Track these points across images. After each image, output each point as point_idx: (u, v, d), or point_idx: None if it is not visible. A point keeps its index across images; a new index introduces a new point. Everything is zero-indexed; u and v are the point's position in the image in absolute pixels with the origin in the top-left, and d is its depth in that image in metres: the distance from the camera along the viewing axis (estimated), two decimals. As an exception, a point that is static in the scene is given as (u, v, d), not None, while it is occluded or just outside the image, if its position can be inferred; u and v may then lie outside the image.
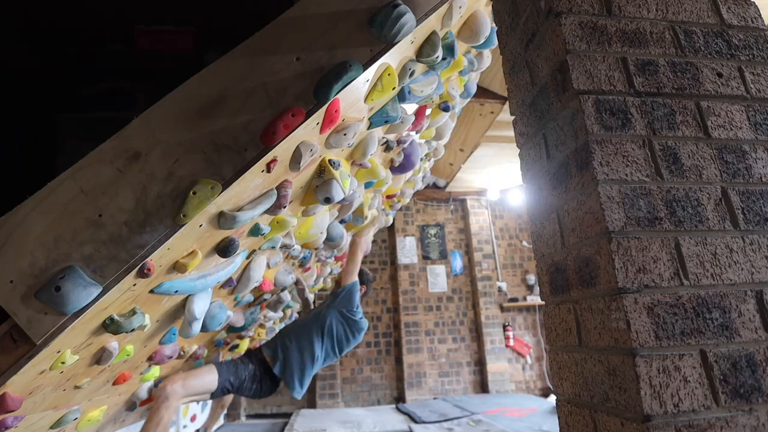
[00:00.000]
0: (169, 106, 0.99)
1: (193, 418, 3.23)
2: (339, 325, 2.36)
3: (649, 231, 0.66)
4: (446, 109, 1.93)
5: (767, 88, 0.78)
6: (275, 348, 2.29)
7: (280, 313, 2.70)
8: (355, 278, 2.46)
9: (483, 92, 3.16)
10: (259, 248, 1.53)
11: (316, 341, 2.30)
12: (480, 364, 4.89)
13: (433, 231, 5.33)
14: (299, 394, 2.25)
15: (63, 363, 1.00)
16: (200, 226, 1.04)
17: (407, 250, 5.14)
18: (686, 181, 0.70)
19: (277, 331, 2.75)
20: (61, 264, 0.88)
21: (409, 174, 2.38)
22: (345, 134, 1.27)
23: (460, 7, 1.30)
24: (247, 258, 1.53)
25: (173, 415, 1.87)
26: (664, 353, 0.60)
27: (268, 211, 1.21)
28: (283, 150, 1.06)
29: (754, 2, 0.85)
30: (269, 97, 1.02)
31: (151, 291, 1.11)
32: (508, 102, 1.00)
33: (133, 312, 1.09)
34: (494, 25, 1.50)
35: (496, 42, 1.62)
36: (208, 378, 2.05)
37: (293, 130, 1.02)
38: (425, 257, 5.22)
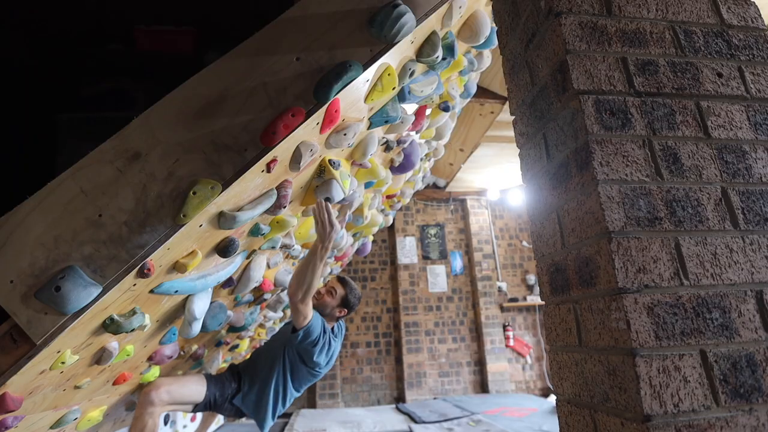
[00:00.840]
0: (169, 106, 0.99)
1: (192, 419, 3.23)
2: (299, 365, 2.02)
3: (649, 231, 0.66)
4: (446, 109, 1.93)
5: (767, 88, 0.78)
6: (245, 376, 2.08)
7: (280, 313, 2.70)
8: (308, 314, 1.80)
9: (483, 92, 3.16)
10: (259, 248, 1.53)
11: (276, 379, 2.02)
12: (480, 364, 4.89)
13: (433, 231, 5.33)
14: (265, 429, 2.05)
15: (63, 363, 1.00)
16: (200, 226, 1.04)
17: (407, 250, 5.14)
18: (686, 181, 0.70)
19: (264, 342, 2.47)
20: (61, 264, 0.88)
21: (409, 174, 2.38)
22: (345, 134, 1.27)
23: (460, 7, 1.30)
24: (247, 258, 1.53)
25: (157, 421, 1.74)
26: (664, 353, 0.60)
27: (268, 211, 1.21)
28: (283, 150, 1.06)
29: (754, 2, 0.85)
30: (269, 97, 1.02)
31: (151, 291, 1.11)
32: (508, 102, 1.00)
33: (133, 312, 1.09)
34: (494, 25, 1.50)
35: (496, 42, 1.62)
36: (196, 388, 1.92)
37: (293, 130, 1.02)
38: (425, 257, 5.22)
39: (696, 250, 0.66)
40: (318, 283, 1.72)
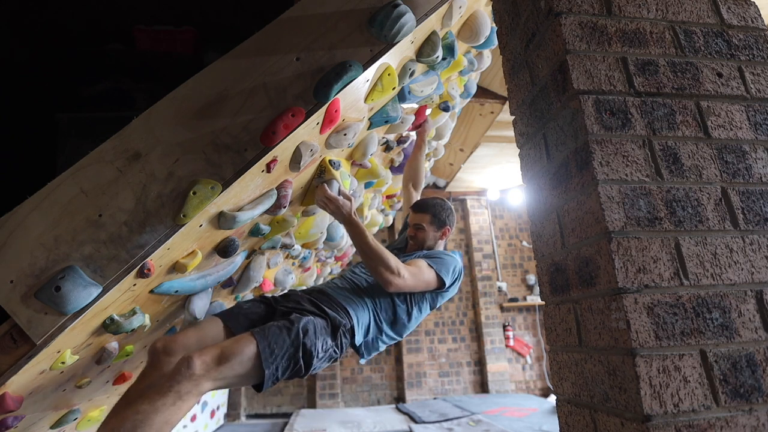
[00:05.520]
0: (169, 106, 0.99)
1: (193, 418, 3.23)
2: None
3: (649, 231, 0.66)
4: (446, 109, 1.93)
5: (767, 88, 0.78)
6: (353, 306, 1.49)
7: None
8: (421, 274, 1.47)
9: (483, 92, 3.16)
10: (259, 248, 1.53)
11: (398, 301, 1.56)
12: (480, 364, 4.89)
13: (433, 231, 5.32)
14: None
15: (63, 363, 1.00)
16: (200, 226, 1.04)
17: (407, 250, 5.13)
18: (686, 181, 0.70)
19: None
20: (61, 264, 0.88)
21: (409, 174, 2.38)
22: (345, 134, 1.27)
23: (460, 7, 1.30)
24: (247, 258, 1.53)
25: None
26: (664, 353, 0.60)
27: (268, 211, 1.21)
28: (283, 150, 1.06)
29: (754, 2, 0.85)
30: (269, 97, 1.02)
31: (151, 291, 1.11)
32: (508, 102, 1.00)
33: (133, 312, 1.09)
34: (494, 25, 1.51)
35: (496, 42, 1.62)
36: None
37: (293, 130, 1.02)
38: (425, 257, 5.21)
39: (696, 250, 0.66)
40: (383, 249, 1.42)
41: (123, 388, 1.63)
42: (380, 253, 1.39)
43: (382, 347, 1.61)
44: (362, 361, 1.61)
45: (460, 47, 1.58)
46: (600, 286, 0.66)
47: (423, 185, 2.15)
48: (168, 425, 1.03)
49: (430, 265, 1.51)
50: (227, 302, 1.66)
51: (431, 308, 1.64)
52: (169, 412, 1.03)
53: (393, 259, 1.40)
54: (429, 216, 1.74)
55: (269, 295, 1.59)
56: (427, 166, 2.66)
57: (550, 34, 0.80)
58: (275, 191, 1.20)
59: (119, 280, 0.91)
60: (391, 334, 1.58)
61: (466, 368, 4.87)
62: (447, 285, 1.53)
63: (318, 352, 1.30)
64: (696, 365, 0.60)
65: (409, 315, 1.57)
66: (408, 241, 1.81)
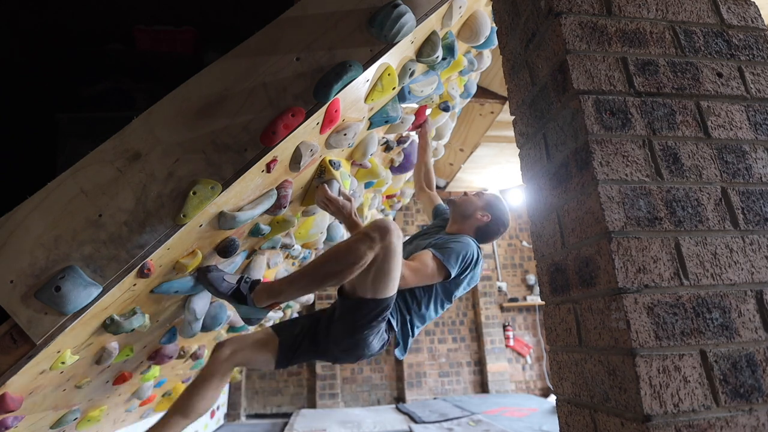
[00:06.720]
0: (169, 106, 0.99)
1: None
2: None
3: (649, 231, 0.66)
4: (446, 109, 1.94)
5: (767, 88, 0.78)
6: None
7: (280, 313, 2.70)
8: (424, 268, 1.45)
9: (483, 92, 3.16)
10: (259, 248, 1.53)
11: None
12: (480, 364, 4.89)
13: (433, 231, 5.31)
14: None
15: (63, 363, 1.00)
16: (200, 226, 1.04)
17: (407, 250, 5.12)
18: (686, 181, 0.70)
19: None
20: (61, 264, 0.88)
21: (409, 174, 2.39)
22: (345, 134, 1.27)
23: (460, 7, 1.30)
24: (247, 258, 1.53)
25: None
26: (664, 353, 0.60)
27: (268, 211, 1.21)
28: (283, 150, 1.06)
29: (754, 2, 0.85)
30: (269, 97, 1.02)
31: (151, 291, 1.11)
32: (508, 102, 1.00)
33: (133, 312, 1.09)
34: (494, 25, 1.51)
35: (496, 42, 1.62)
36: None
37: (293, 130, 1.02)
38: (425, 257, 5.20)
39: (696, 250, 0.66)
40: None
41: (123, 388, 1.63)
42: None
43: (416, 332, 1.58)
44: (400, 356, 1.58)
45: (460, 47, 1.58)
46: (600, 286, 0.66)
47: (434, 184, 2.16)
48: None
49: (435, 256, 1.48)
50: (228, 304, 1.66)
51: (446, 297, 1.57)
52: None
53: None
54: (487, 200, 1.71)
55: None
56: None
57: (550, 34, 0.80)
58: (275, 191, 1.20)
59: (119, 280, 0.91)
60: (416, 321, 1.56)
61: (466, 368, 4.87)
62: (453, 275, 1.48)
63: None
64: (696, 365, 0.60)
65: (422, 305, 1.54)
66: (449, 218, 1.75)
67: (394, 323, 1.47)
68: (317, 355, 1.51)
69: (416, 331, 1.58)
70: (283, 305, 1.92)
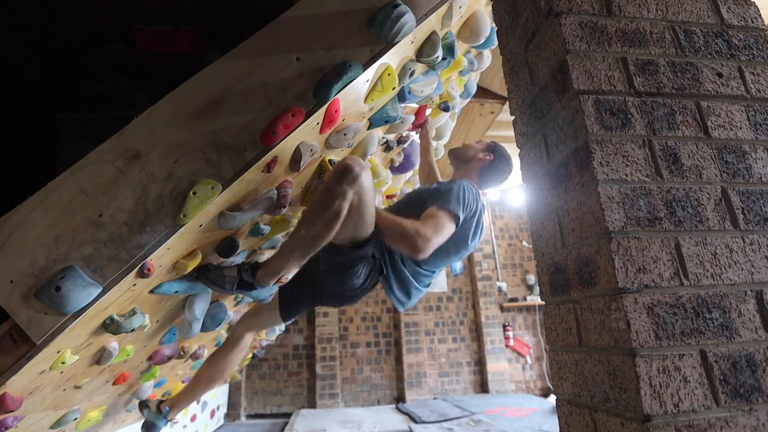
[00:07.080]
0: (169, 106, 0.99)
1: (193, 418, 3.23)
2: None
3: (649, 231, 0.66)
4: (446, 109, 1.93)
5: (767, 88, 0.78)
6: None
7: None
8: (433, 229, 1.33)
9: (483, 92, 3.16)
10: (259, 248, 1.53)
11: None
12: (480, 364, 4.89)
13: (433, 231, 5.31)
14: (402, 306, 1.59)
15: (63, 363, 1.00)
16: (200, 226, 1.04)
17: (407, 250, 5.12)
18: (686, 181, 0.70)
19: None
20: (61, 264, 0.88)
21: (409, 174, 2.38)
22: (345, 134, 1.27)
23: (460, 7, 1.30)
24: (247, 258, 1.53)
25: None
26: (664, 353, 0.60)
27: (268, 211, 1.21)
28: (283, 150, 1.06)
29: (754, 2, 0.85)
30: (269, 97, 1.02)
31: (151, 291, 1.11)
32: (508, 102, 1.00)
33: (133, 312, 1.09)
34: (494, 25, 1.50)
35: (496, 42, 1.62)
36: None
37: (293, 130, 1.02)
38: (425, 257, 5.20)
39: (696, 250, 0.66)
40: (394, 219, 1.35)
41: (123, 388, 1.63)
42: (393, 225, 1.32)
43: (422, 289, 1.56)
44: (401, 309, 1.59)
45: (460, 47, 1.58)
46: (600, 286, 0.66)
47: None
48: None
49: (439, 207, 1.39)
50: (227, 302, 1.66)
51: (457, 245, 1.49)
52: None
53: (409, 224, 1.31)
54: (488, 143, 1.70)
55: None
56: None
57: (550, 34, 0.80)
58: (275, 191, 1.20)
59: (119, 280, 0.91)
60: (420, 269, 1.53)
61: (466, 368, 4.87)
62: (461, 218, 1.40)
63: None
64: (696, 365, 0.60)
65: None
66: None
67: (385, 269, 1.49)
68: (315, 301, 1.60)
69: (424, 281, 1.56)
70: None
